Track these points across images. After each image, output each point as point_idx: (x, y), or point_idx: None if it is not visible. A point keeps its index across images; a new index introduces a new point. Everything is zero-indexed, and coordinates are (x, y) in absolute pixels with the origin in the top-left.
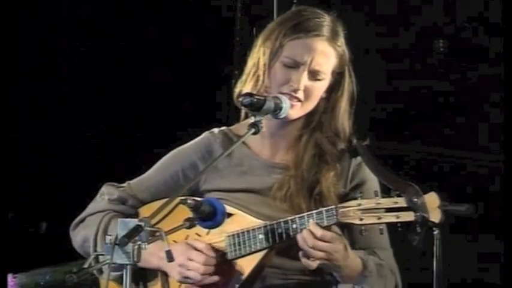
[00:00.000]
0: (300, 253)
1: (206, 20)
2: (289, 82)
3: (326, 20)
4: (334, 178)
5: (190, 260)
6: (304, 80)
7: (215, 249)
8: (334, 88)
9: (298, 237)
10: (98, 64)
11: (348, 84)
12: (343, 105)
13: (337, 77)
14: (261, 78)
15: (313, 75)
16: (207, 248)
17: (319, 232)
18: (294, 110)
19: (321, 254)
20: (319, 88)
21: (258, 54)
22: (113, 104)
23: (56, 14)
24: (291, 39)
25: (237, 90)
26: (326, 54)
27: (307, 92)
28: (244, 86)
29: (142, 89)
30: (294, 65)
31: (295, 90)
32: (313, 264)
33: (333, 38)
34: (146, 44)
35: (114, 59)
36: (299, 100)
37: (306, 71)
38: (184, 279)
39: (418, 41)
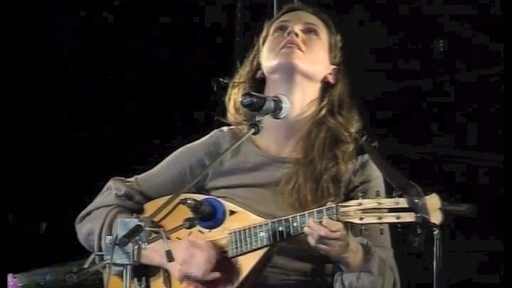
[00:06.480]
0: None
1: (206, 19)
2: (284, 38)
3: (315, 9)
4: (350, 155)
5: (193, 256)
6: (297, 29)
7: (217, 246)
8: (336, 80)
9: (307, 230)
10: (98, 63)
11: (345, 77)
12: (346, 92)
13: (336, 66)
14: (255, 61)
15: (307, 28)
16: (208, 245)
17: (334, 226)
18: (298, 58)
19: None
20: (318, 45)
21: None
22: (114, 104)
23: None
24: (278, 18)
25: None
26: (314, 18)
27: (306, 43)
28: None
29: (142, 88)
30: (285, 26)
31: (291, 34)
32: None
33: (320, 14)
34: (146, 43)
35: (116, 57)
36: (300, 49)
37: (299, 24)
38: (186, 277)
39: (418, 41)
